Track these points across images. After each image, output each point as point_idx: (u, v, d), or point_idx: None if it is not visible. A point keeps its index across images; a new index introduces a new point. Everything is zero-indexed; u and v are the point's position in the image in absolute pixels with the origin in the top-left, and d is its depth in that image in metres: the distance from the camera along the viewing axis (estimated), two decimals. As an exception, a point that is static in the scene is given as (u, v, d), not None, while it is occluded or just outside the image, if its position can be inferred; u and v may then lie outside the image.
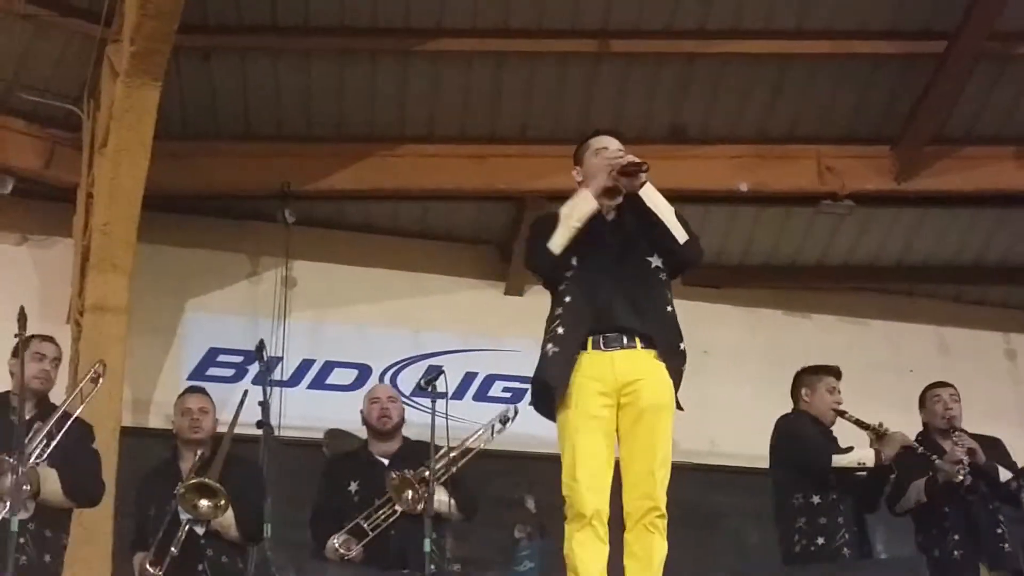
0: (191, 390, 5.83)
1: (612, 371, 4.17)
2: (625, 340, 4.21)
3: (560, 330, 4.21)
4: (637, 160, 4.30)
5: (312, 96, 7.96)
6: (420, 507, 5.32)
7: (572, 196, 4.35)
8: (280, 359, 7.90)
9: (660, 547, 4.10)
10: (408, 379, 8.20)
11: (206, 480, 5.21)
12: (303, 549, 5.78)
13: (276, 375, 7.56)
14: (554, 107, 8.06)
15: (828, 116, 8.26)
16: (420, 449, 5.63)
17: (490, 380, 8.62)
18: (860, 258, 9.38)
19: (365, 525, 5.50)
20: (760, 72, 7.96)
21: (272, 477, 5.07)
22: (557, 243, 4.25)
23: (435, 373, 5.45)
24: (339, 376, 8.44)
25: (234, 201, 8.46)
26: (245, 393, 5.58)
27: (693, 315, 7.40)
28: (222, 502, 5.19)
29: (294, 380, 8.29)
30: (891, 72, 7.96)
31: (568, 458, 4.13)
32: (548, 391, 4.20)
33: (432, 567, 5.14)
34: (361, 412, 5.93)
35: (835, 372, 6.00)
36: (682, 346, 4.32)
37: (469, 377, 8.61)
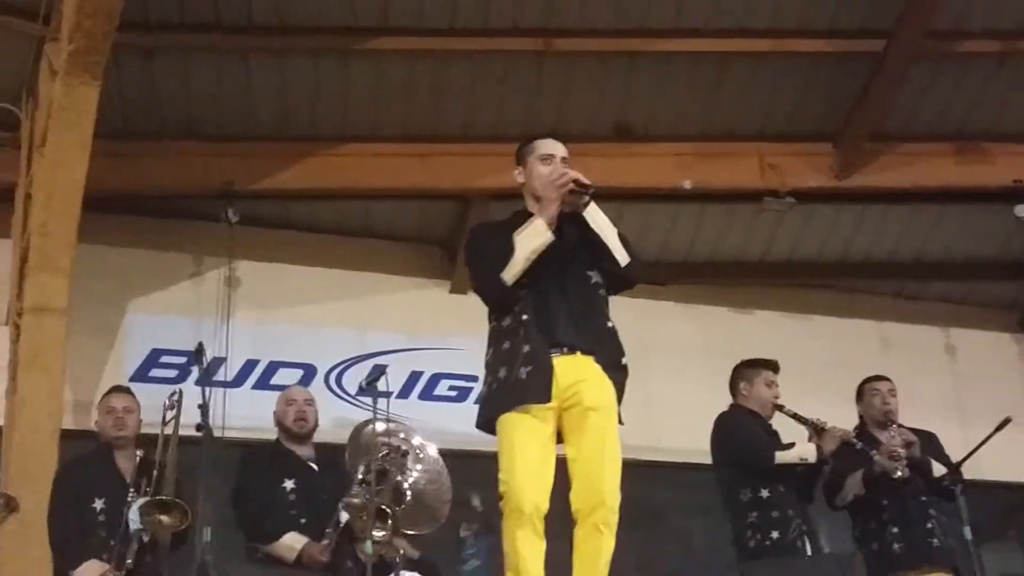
0: (115, 389, 5.79)
1: (553, 375, 4.17)
2: (566, 350, 4.23)
3: (527, 348, 4.18)
4: (585, 181, 4.31)
5: (255, 95, 7.91)
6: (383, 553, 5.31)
7: (525, 222, 4.31)
8: (224, 360, 7.83)
9: (608, 546, 4.11)
10: (353, 379, 8.17)
11: (165, 498, 5.16)
12: (243, 548, 5.74)
13: (220, 376, 7.51)
14: (498, 106, 8.07)
15: (770, 114, 8.33)
16: (338, 455, 5.63)
17: (436, 379, 8.61)
18: (802, 254, 9.47)
19: (333, 532, 5.48)
20: (703, 70, 8.01)
21: (214, 479, 5.03)
22: (511, 275, 4.23)
23: (378, 373, 5.44)
24: (284, 376, 8.36)
25: (176, 201, 8.37)
26: (180, 394, 5.49)
27: (638, 312, 7.51)
28: (180, 515, 5.15)
29: (238, 381, 8.21)
30: (831, 70, 8.04)
31: (506, 456, 4.13)
32: (518, 409, 4.15)
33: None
34: (275, 413, 5.89)
35: (773, 366, 6.04)
36: (624, 361, 4.34)
37: (415, 376, 8.60)
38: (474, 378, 8.39)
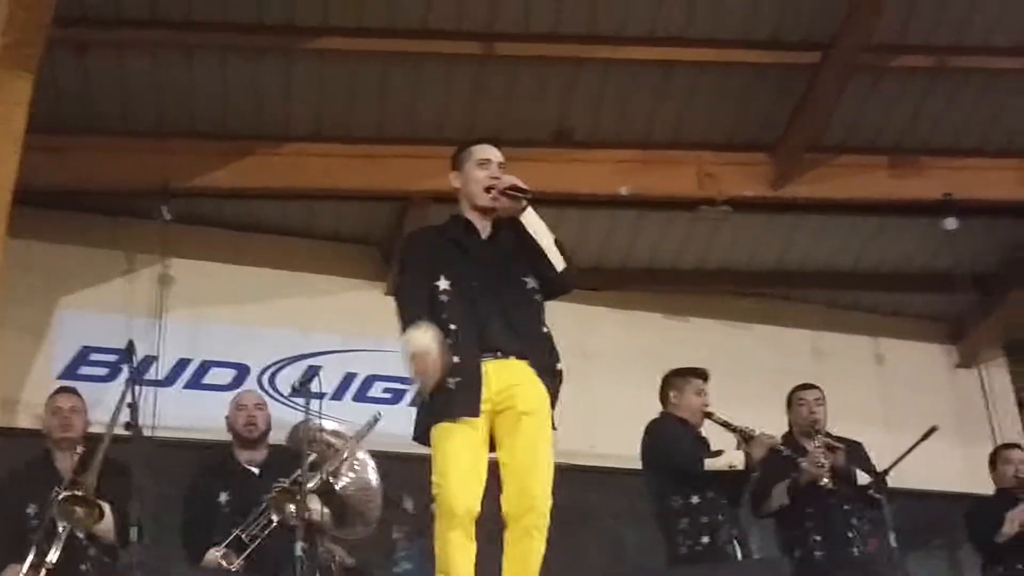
0: (62, 390, 5.75)
1: (487, 379, 4.19)
2: (500, 354, 4.24)
3: (456, 359, 4.16)
4: (522, 185, 4.33)
5: (194, 93, 7.82)
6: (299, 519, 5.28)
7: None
8: (155, 358, 7.74)
9: (538, 549, 4.14)
10: (287, 379, 8.08)
11: (78, 493, 5.11)
12: (178, 550, 5.69)
13: (151, 375, 7.41)
14: (440, 108, 8.04)
15: (710, 123, 8.38)
16: (288, 457, 5.61)
17: (370, 381, 8.57)
18: (738, 263, 9.55)
19: (244, 537, 5.44)
20: (645, 77, 8.04)
21: (144, 479, 4.98)
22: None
23: (311, 374, 5.42)
24: (216, 376, 8.30)
25: (110, 197, 8.26)
26: (124, 393, 5.45)
27: (574, 317, 7.55)
28: (95, 512, 5.10)
29: (170, 380, 8.12)
30: (771, 81, 8.11)
31: (439, 460, 4.13)
32: (449, 421, 4.14)
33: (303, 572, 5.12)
34: (227, 418, 5.86)
35: (703, 374, 6.11)
36: (559, 366, 4.36)
37: (349, 377, 8.56)
38: (409, 380, 8.37)
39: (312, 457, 5.40)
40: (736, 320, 9.76)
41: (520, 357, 4.26)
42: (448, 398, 4.13)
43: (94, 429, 5.64)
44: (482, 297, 4.29)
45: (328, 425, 5.80)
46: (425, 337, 4.08)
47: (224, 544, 5.44)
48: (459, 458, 4.10)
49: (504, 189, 4.34)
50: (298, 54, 7.65)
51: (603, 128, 8.32)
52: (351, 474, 5.75)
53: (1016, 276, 9.54)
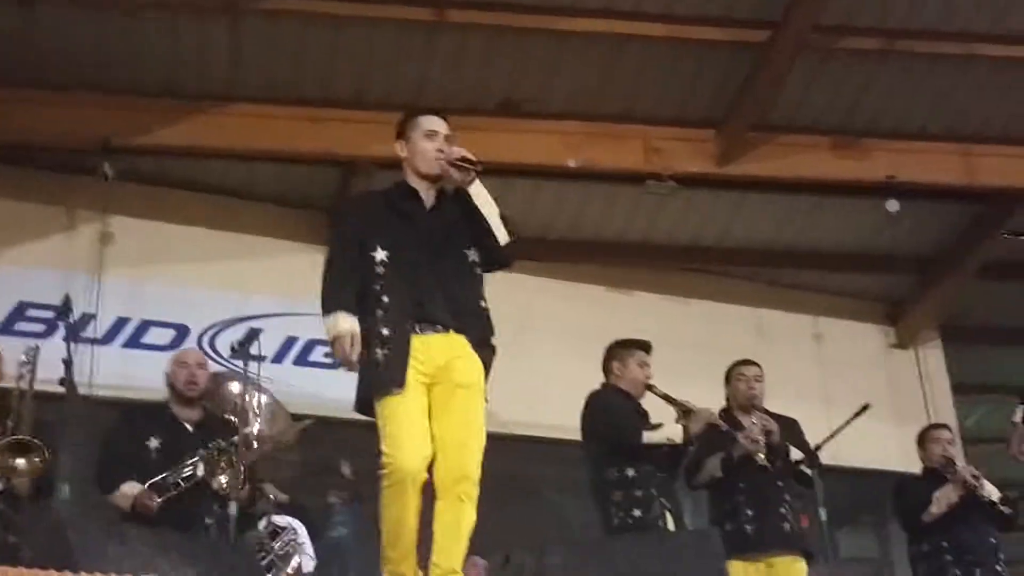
0: None
1: (427, 352, 4.22)
2: (440, 328, 4.27)
3: (385, 331, 4.19)
4: (472, 157, 4.34)
5: (140, 50, 7.71)
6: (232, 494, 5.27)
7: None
8: (93, 316, 7.65)
9: (470, 516, 4.18)
10: (227, 341, 7.99)
11: (22, 438, 5.04)
12: (109, 510, 5.63)
13: (89, 332, 7.33)
14: (390, 74, 7.99)
15: (658, 98, 8.40)
16: (220, 423, 5.62)
17: (311, 344, 8.52)
18: (682, 238, 9.61)
19: (171, 480, 5.39)
20: (596, 51, 8.04)
21: (77, 437, 4.92)
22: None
23: (251, 336, 5.39)
24: (155, 336, 8.22)
25: (51, 152, 8.15)
26: (36, 349, 5.37)
27: (517, 287, 7.55)
28: (44, 456, 5.04)
29: (108, 338, 8.03)
30: (720, 58, 8.13)
31: (388, 430, 4.14)
32: (387, 395, 4.16)
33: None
34: (166, 374, 5.82)
35: (646, 347, 6.12)
36: (493, 340, 4.39)
37: (290, 341, 8.53)
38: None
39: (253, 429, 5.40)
40: (679, 295, 9.83)
41: (458, 331, 4.29)
42: (377, 371, 4.17)
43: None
44: (421, 268, 4.30)
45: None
46: (343, 323, 4.17)
47: (148, 485, 5.39)
48: (408, 421, 4.13)
49: (453, 160, 4.33)
50: (247, 14, 7.56)
51: (552, 99, 8.31)
52: (257, 419, 5.84)
53: (955, 260, 9.68)
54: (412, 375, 4.18)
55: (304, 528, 6.04)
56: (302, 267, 8.76)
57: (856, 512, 10.28)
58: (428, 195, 4.45)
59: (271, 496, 5.81)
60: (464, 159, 4.33)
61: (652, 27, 7.87)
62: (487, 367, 4.34)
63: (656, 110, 8.46)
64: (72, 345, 5.19)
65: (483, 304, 4.41)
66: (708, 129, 8.49)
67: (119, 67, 7.79)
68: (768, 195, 9.16)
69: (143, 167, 8.40)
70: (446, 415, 4.21)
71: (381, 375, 4.17)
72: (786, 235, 9.66)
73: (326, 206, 8.91)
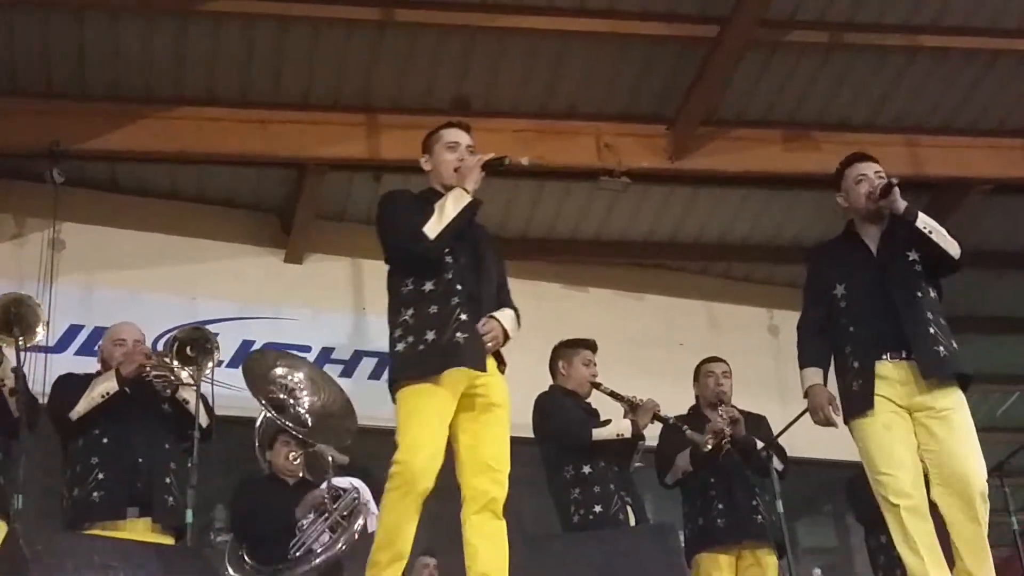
0: None
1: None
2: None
3: (463, 316, 4.28)
4: (494, 156, 4.56)
5: (85, 54, 7.64)
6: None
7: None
8: (46, 323, 7.55)
9: (505, 530, 4.27)
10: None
11: None
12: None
13: (40, 340, 7.24)
14: (337, 74, 7.98)
15: (608, 94, 8.42)
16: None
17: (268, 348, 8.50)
18: (636, 234, 9.65)
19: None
20: (542, 48, 8.05)
21: (31, 446, 4.88)
22: (433, 229, 4.33)
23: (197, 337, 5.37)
24: (108, 343, 8.15)
25: (-2, 159, 8.08)
26: None
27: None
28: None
29: (61, 346, 7.98)
30: (669, 54, 8.16)
31: (412, 430, 4.15)
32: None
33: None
34: (100, 348, 5.68)
35: (591, 346, 6.18)
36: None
37: (246, 345, 8.47)
38: (307, 348, 8.32)
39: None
40: (634, 291, 9.86)
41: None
42: (458, 349, 4.19)
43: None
44: (464, 272, 4.40)
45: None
46: None
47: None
48: (434, 432, 4.16)
49: (478, 166, 4.49)
50: (192, 16, 7.51)
51: (501, 97, 8.31)
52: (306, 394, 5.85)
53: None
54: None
55: (368, 489, 5.94)
56: (256, 270, 8.79)
57: (814, 503, 10.35)
58: None
59: (330, 457, 5.76)
60: (489, 162, 4.48)
61: (596, 23, 7.87)
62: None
63: (606, 106, 8.49)
64: (22, 354, 5.12)
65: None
66: (659, 125, 8.52)
67: (64, 71, 7.73)
68: (720, 189, 9.22)
69: (92, 172, 8.35)
70: (481, 429, 4.30)
71: (463, 352, 4.22)
72: (739, 229, 9.72)
73: (278, 208, 8.89)
